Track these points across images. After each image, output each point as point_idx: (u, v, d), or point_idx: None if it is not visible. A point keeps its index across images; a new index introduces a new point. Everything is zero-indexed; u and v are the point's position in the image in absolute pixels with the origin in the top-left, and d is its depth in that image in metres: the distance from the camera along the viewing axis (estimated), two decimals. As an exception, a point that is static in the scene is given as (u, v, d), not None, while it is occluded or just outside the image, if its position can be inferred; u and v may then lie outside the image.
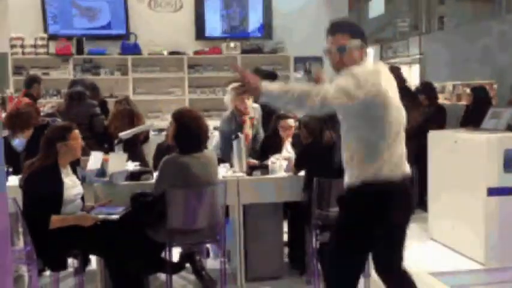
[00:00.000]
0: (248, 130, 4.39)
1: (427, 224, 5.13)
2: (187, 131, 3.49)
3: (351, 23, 2.74)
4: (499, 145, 4.25)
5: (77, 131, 3.51)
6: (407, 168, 2.64)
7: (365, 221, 2.54)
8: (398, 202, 2.56)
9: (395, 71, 6.25)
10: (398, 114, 2.59)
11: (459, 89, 8.44)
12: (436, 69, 9.31)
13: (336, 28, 2.60)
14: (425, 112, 6.10)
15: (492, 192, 4.23)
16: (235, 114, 4.44)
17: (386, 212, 2.52)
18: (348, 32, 2.57)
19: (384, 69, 2.62)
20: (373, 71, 2.54)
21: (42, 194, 3.26)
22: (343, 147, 2.66)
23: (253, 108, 4.52)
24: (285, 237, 4.27)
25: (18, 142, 4.29)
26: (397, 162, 2.57)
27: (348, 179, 2.63)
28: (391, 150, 2.55)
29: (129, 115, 5.26)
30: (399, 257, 2.73)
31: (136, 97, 7.26)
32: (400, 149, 2.61)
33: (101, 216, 3.36)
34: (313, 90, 2.38)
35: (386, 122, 2.52)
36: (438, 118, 6.09)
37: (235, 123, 4.42)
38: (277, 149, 4.31)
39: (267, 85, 2.37)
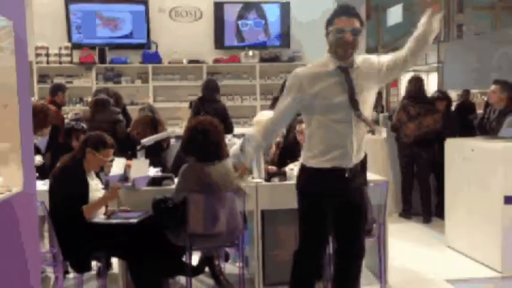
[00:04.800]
0: (273, 155, 4.45)
1: (444, 232, 5.14)
2: (203, 140, 3.56)
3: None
4: (516, 154, 4.25)
5: (111, 151, 3.63)
6: None
7: None
8: None
9: (418, 82, 6.19)
10: None
11: (477, 97, 8.43)
12: (454, 77, 9.30)
13: (354, 12, 2.80)
14: (442, 118, 6.01)
15: (509, 200, 4.22)
16: None
17: None
18: (360, 19, 2.81)
19: None
20: None
21: (69, 188, 3.40)
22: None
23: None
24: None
25: (37, 142, 4.42)
26: None
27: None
28: None
29: (152, 122, 5.39)
30: None
31: (157, 104, 7.36)
32: None
33: (119, 220, 3.50)
34: None
35: None
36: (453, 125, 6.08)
37: None
38: (296, 156, 4.36)
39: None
